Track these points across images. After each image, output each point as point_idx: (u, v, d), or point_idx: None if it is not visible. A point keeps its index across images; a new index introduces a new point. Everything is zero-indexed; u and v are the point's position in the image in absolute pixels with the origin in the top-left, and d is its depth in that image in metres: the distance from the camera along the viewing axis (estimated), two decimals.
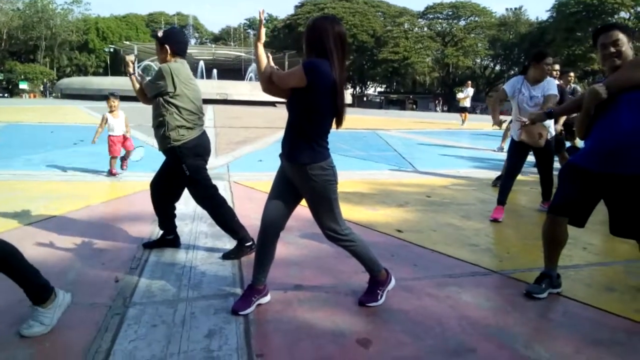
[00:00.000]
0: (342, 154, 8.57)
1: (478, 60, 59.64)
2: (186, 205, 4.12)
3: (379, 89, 69.97)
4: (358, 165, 7.90)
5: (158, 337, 2.25)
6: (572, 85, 7.11)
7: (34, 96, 46.94)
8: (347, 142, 10.20)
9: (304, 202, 2.57)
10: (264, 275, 2.61)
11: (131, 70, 3.34)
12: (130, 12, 71.15)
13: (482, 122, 15.53)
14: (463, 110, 17.91)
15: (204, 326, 2.38)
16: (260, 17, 2.51)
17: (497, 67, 59.97)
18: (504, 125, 8.30)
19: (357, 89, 63.94)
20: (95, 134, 6.49)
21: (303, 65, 2.33)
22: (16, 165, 6.88)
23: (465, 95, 17.52)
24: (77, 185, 5.74)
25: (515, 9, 58.67)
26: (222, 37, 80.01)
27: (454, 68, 57.79)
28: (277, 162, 2.60)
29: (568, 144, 6.87)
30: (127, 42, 52.73)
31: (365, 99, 61.77)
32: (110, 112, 6.41)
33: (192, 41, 68.66)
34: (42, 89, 53.24)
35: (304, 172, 2.42)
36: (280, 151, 2.54)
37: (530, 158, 4.86)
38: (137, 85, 3.35)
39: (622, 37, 2.63)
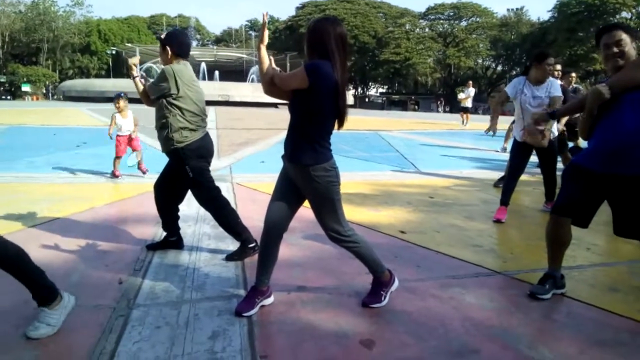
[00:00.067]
0: (345, 155, 8.57)
1: (480, 61, 59.59)
2: (189, 206, 4.12)
3: (380, 90, 69.96)
4: (360, 166, 7.90)
5: (162, 339, 2.26)
6: (574, 85, 7.10)
7: (37, 98, 47.01)
8: (349, 143, 10.21)
9: (306, 203, 2.57)
10: (267, 277, 2.61)
11: (135, 73, 3.35)
12: (132, 14, 71.32)
13: (485, 123, 15.48)
14: (465, 110, 17.91)
15: (207, 328, 2.38)
16: (263, 19, 2.53)
17: (499, 68, 59.90)
18: (506, 126, 8.29)
19: (359, 90, 63.94)
20: (109, 130, 6.51)
21: (305, 66, 2.34)
22: (19, 167, 6.90)
23: (467, 95, 17.51)
24: (81, 188, 5.76)
25: (517, 9, 58.74)
26: (224, 39, 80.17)
27: (455, 69, 57.75)
28: (280, 164, 2.60)
29: (570, 144, 6.86)
30: (129, 44, 52.81)
31: (367, 100, 61.77)
32: (119, 112, 6.46)
33: (194, 43, 68.66)
34: (44, 92, 53.36)
35: (306, 174, 2.42)
36: (282, 152, 2.55)
37: (533, 158, 4.86)
38: (141, 87, 3.35)
39: (625, 37, 2.63)
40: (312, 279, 3.04)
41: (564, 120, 5.83)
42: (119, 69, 54.43)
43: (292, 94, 2.44)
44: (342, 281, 3.02)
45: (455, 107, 35.39)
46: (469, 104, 17.79)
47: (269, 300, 2.65)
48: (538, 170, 5.35)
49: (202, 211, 3.71)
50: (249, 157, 8.50)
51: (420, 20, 59.60)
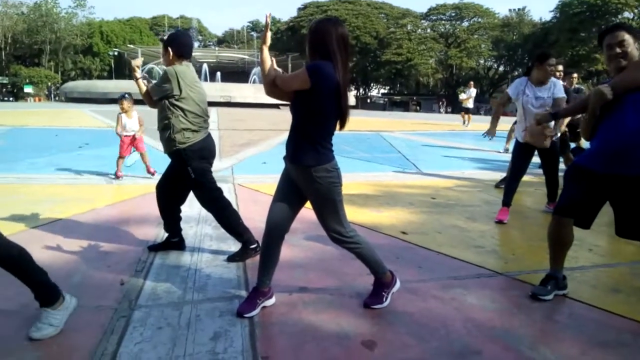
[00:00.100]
0: (346, 156, 8.57)
1: (481, 62, 59.50)
2: (191, 207, 4.12)
3: (382, 91, 69.94)
4: (362, 167, 7.89)
5: (163, 340, 2.26)
6: (576, 86, 7.09)
7: (39, 100, 47.14)
8: (351, 144, 10.21)
9: (308, 204, 2.57)
10: (269, 278, 2.61)
11: (138, 74, 3.35)
12: (134, 15, 71.36)
13: (486, 124, 15.46)
14: (466, 111, 17.90)
15: (209, 329, 2.38)
16: (266, 21, 2.53)
17: (501, 68, 59.85)
18: (507, 127, 8.27)
19: (361, 90, 63.97)
20: (117, 130, 6.52)
21: (307, 67, 2.34)
22: (21, 168, 6.92)
23: (468, 96, 17.50)
24: (82, 189, 5.77)
25: (519, 9, 58.62)
26: (226, 40, 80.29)
27: (457, 69, 57.70)
28: (281, 165, 2.60)
29: (572, 145, 6.85)
30: (131, 46, 52.95)
31: (368, 100, 61.73)
32: (124, 112, 6.48)
33: (196, 44, 68.78)
34: (46, 93, 53.50)
35: (308, 175, 2.42)
36: (284, 153, 2.55)
37: (535, 159, 4.85)
38: (144, 89, 3.36)
39: (628, 37, 2.62)
40: (314, 280, 3.04)
41: (566, 121, 5.81)
42: (121, 70, 54.58)
43: (294, 95, 2.44)
44: (343, 282, 3.02)
45: (457, 107, 35.40)
46: (470, 104, 17.78)
47: (271, 301, 2.65)
48: (540, 171, 5.35)
49: (204, 212, 3.72)
50: (250, 158, 8.51)
51: (422, 21, 59.60)
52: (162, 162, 3.63)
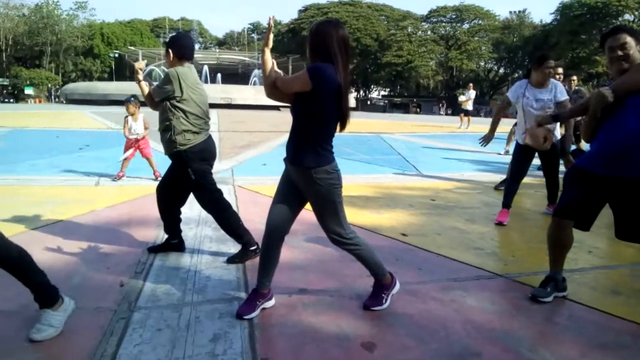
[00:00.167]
0: (347, 158, 8.58)
1: (482, 64, 59.53)
2: (191, 209, 4.13)
3: (382, 93, 69.94)
4: (362, 169, 7.90)
5: (163, 341, 2.26)
6: (576, 88, 7.09)
7: (40, 101, 47.18)
8: (352, 146, 10.21)
9: (308, 205, 2.57)
10: (269, 279, 2.61)
11: (140, 77, 3.36)
12: (134, 17, 71.45)
13: (486, 125, 15.48)
14: (465, 113, 17.91)
15: (208, 330, 2.38)
16: (269, 23, 2.53)
17: (501, 70, 59.85)
18: (507, 129, 8.26)
19: (361, 92, 63.97)
20: (124, 132, 6.58)
21: (307, 69, 2.34)
22: (21, 170, 6.92)
23: (467, 98, 17.50)
24: (83, 190, 5.77)
25: (519, 11, 58.68)
26: (226, 42, 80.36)
27: (457, 71, 57.70)
28: (282, 166, 2.60)
29: (573, 147, 6.85)
30: (132, 47, 52.97)
31: (369, 102, 61.74)
32: (130, 115, 6.52)
33: (197, 46, 68.79)
34: (47, 94, 53.53)
35: (308, 176, 2.42)
36: (284, 155, 2.55)
37: (536, 161, 4.85)
38: (146, 91, 3.37)
39: (629, 40, 2.62)
40: (314, 281, 3.04)
41: (572, 125, 5.81)
42: (122, 71, 54.56)
43: (295, 96, 2.45)
44: (343, 284, 3.02)
45: (457, 109, 35.41)
46: (469, 106, 17.78)
47: (270, 303, 2.65)
48: (540, 173, 5.35)
49: (204, 214, 3.72)
50: (250, 159, 8.51)
51: (423, 23, 59.61)
52: (163, 163, 3.63)
